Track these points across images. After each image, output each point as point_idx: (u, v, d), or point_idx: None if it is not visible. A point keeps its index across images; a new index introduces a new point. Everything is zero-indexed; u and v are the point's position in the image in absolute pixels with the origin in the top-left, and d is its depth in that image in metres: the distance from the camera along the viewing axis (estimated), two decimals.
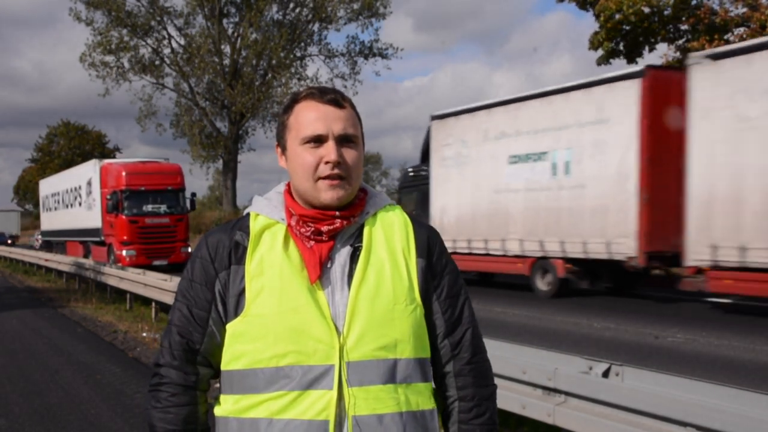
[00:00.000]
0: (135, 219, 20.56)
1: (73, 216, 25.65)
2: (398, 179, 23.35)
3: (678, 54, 23.52)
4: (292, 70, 37.54)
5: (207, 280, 1.58)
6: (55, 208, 29.23)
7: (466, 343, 1.64)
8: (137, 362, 8.57)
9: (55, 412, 6.27)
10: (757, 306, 11.98)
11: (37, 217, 76.25)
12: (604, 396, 3.68)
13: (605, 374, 3.81)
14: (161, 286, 11.26)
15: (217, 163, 39.60)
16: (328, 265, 1.54)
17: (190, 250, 20.62)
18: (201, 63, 35.85)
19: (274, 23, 37.27)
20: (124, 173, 20.91)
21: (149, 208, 20.91)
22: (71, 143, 68.40)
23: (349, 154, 1.55)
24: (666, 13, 22.33)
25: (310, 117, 1.55)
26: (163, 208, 21.13)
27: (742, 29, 21.47)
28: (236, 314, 1.54)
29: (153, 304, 11.97)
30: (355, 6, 36.78)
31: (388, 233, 1.60)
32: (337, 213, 1.55)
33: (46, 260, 23.02)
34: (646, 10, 21.37)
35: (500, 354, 4.22)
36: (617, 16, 21.77)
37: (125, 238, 20.50)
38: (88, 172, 23.62)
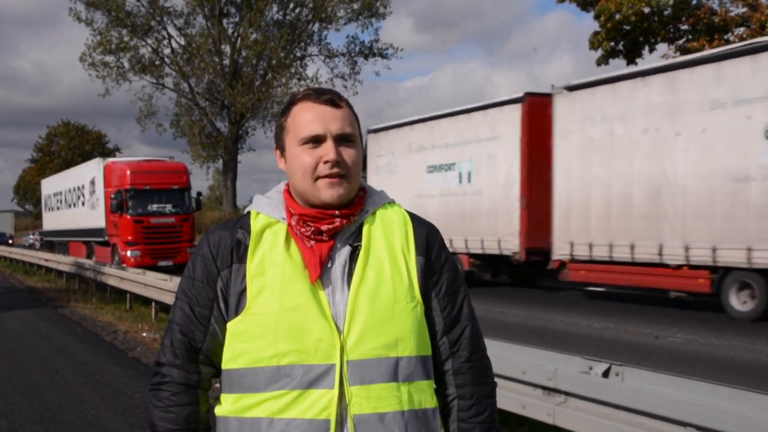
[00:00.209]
0: (140, 219, 20.14)
1: (75, 216, 25.25)
2: None
3: (678, 54, 23.53)
4: (292, 70, 37.56)
5: (209, 279, 1.58)
6: (58, 208, 28.81)
7: (464, 340, 1.64)
8: (137, 362, 8.57)
9: (55, 412, 6.27)
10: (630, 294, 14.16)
11: (37, 217, 76.44)
12: (604, 396, 3.68)
13: (605, 374, 3.81)
14: (161, 286, 11.26)
15: (217, 163, 39.62)
16: (329, 265, 1.55)
17: None
18: (201, 63, 35.86)
19: (274, 23, 37.28)
20: (128, 172, 20.50)
21: (154, 207, 20.47)
22: (71, 143, 68.41)
23: (348, 153, 1.56)
24: (666, 13, 22.33)
25: (308, 118, 1.56)
26: (169, 207, 20.70)
27: (742, 29, 21.48)
28: (237, 313, 1.54)
29: (153, 304, 11.97)
30: (355, 6, 36.79)
31: (388, 231, 1.60)
32: (337, 212, 1.56)
33: (46, 260, 23.01)
34: (646, 10, 21.37)
35: (500, 354, 4.22)
36: (617, 17, 21.78)
37: (130, 238, 20.10)
38: (92, 170, 23.23)
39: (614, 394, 3.63)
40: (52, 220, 30.24)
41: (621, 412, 3.59)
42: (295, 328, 1.49)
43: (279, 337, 1.49)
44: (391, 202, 1.67)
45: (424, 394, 1.56)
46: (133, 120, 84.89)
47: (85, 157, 50.23)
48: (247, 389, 1.52)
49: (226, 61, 37.21)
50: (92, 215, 22.92)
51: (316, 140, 1.55)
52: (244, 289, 1.54)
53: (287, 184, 1.65)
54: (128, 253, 19.88)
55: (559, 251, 13.69)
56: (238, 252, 1.57)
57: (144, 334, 10.42)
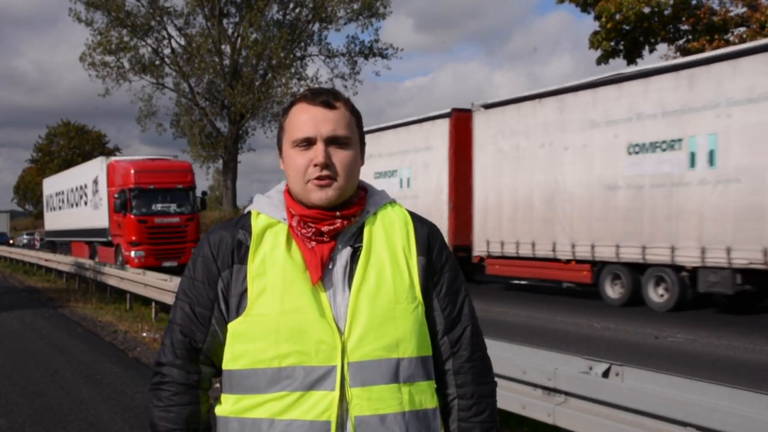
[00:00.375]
0: (144, 218, 19.69)
1: (78, 215, 24.73)
2: None
3: (678, 54, 23.53)
4: (292, 70, 37.53)
5: (209, 279, 1.58)
6: (60, 208, 28.34)
7: (465, 340, 1.63)
8: (137, 362, 8.57)
9: (55, 412, 6.27)
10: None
11: (37, 216, 76.45)
12: (604, 396, 3.68)
13: (605, 374, 3.81)
14: (161, 286, 11.27)
15: (217, 163, 39.59)
16: (330, 266, 1.55)
17: None
18: (201, 63, 35.82)
19: (274, 23, 37.26)
20: (132, 171, 20.05)
21: (159, 207, 20.02)
22: (71, 143, 68.37)
23: (339, 156, 1.55)
24: (666, 13, 22.33)
25: (301, 119, 1.56)
26: (173, 207, 20.25)
27: (742, 29, 21.48)
28: (238, 313, 1.54)
29: (153, 304, 11.97)
30: (355, 6, 36.76)
31: (389, 232, 1.60)
32: (338, 213, 1.56)
33: (46, 260, 23.01)
34: (646, 10, 21.38)
35: (500, 354, 4.22)
36: (617, 17, 21.78)
37: (134, 238, 19.66)
38: (95, 170, 22.70)
39: (614, 394, 3.63)
40: (53, 220, 29.84)
41: (621, 412, 3.59)
42: (296, 329, 1.48)
43: (280, 338, 1.49)
44: (392, 202, 1.67)
45: (424, 395, 1.56)
46: (133, 120, 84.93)
47: (85, 157, 50.21)
48: (248, 390, 1.52)
49: (226, 61, 37.19)
50: (95, 215, 22.51)
51: (308, 142, 1.55)
52: (245, 290, 1.54)
53: (287, 184, 1.64)
54: (132, 253, 19.50)
55: (479, 248, 15.81)
56: (239, 253, 1.56)
57: (144, 334, 10.42)
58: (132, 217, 19.71)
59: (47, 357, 8.99)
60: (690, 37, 22.97)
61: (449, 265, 1.65)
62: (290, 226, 1.57)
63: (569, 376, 3.92)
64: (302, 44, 38.44)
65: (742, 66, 10.39)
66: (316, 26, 38.22)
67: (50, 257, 22.90)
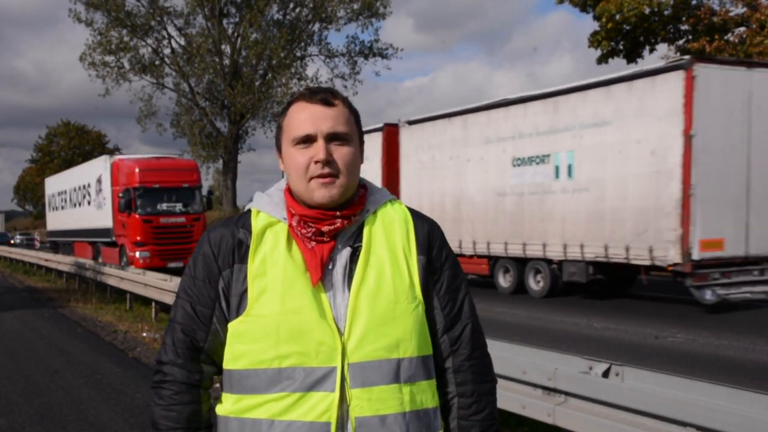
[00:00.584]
0: (149, 218, 19.17)
1: (81, 215, 24.13)
2: None
3: (678, 54, 23.53)
4: (292, 70, 37.52)
5: (210, 278, 1.58)
6: (62, 207, 27.79)
7: (465, 339, 1.63)
8: (137, 362, 8.57)
9: (55, 412, 6.27)
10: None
11: (37, 217, 76.49)
12: (604, 396, 3.68)
13: (605, 374, 3.81)
14: (161, 286, 11.27)
15: (217, 163, 39.61)
16: (330, 266, 1.54)
17: None
18: (201, 63, 35.81)
19: (274, 23, 37.25)
20: (137, 170, 19.54)
21: (164, 206, 19.51)
22: (71, 143, 68.41)
23: (340, 152, 1.55)
24: (666, 13, 22.33)
25: (300, 117, 1.56)
26: (179, 206, 19.74)
27: (742, 29, 21.49)
28: (239, 313, 1.54)
29: (153, 304, 11.97)
30: (355, 6, 36.76)
31: (389, 231, 1.59)
32: (338, 213, 1.55)
33: (46, 260, 22.99)
34: (647, 10, 21.38)
35: (500, 354, 4.22)
36: (617, 17, 21.78)
37: (139, 238, 19.14)
38: (98, 168, 22.13)
39: (614, 394, 3.64)
40: (56, 220, 29.33)
41: (621, 412, 3.60)
42: (296, 330, 1.48)
43: (280, 339, 1.48)
44: (393, 200, 1.66)
45: (425, 394, 1.56)
46: (133, 120, 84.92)
47: (85, 157, 50.22)
48: (248, 390, 1.51)
49: (226, 61, 37.19)
50: (99, 215, 21.97)
51: (308, 140, 1.54)
52: (246, 290, 1.53)
53: (288, 184, 1.64)
54: (137, 254, 19.01)
55: None
56: (240, 252, 1.56)
57: (144, 334, 10.42)
58: (137, 216, 19.24)
59: (47, 357, 8.99)
60: (690, 37, 22.98)
61: (449, 263, 1.65)
62: (290, 225, 1.57)
63: (569, 376, 3.92)
64: (302, 44, 38.45)
65: (589, 97, 12.67)
66: (316, 26, 38.24)
67: (50, 257, 22.87)
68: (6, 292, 18.75)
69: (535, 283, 14.39)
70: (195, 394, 1.60)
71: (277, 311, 1.49)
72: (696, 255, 10.97)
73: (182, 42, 37.41)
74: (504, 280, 15.19)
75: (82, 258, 20.94)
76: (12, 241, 49.65)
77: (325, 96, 1.57)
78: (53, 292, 17.75)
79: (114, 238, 20.68)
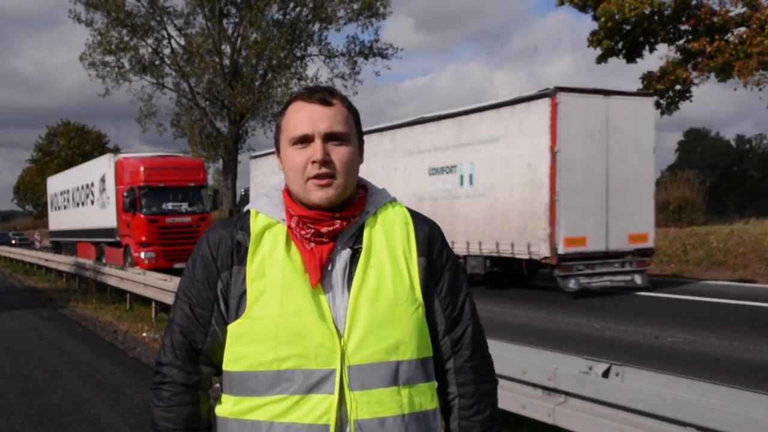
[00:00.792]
0: (154, 218, 18.68)
1: (84, 215, 23.65)
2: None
3: (678, 54, 23.52)
4: (292, 70, 37.51)
5: (209, 280, 1.57)
6: (65, 207, 27.15)
7: (466, 340, 1.63)
8: (137, 362, 8.57)
9: (55, 412, 6.27)
10: None
11: (37, 217, 76.45)
12: (604, 396, 3.68)
13: (605, 374, 3.81)
14: (161, 286, 11.27)
15: (217, 163, 39.60)
16: (329, 268, 1.54)
17: None
18: (201, 63, 35.80)
19: (274, 23, 37.25)
20: (142, 168, 18.99)
21: (169, 206, 19.05)
22: (71, 143, 68.40)
23: (338, 152, 1.54)
24: (666, 13, 22.31)
25: (298, 117, 1.55)
26: (185, 206, 19.30)
27: (742, 29, 21.47)
28: (238, 315, 1.54)
29: (153, 304, 11.97)
30: (355, 6, 36.75)
31: (389, 232, 1.59)
32: (337, 214, 1.55)
33: (46, 260, 22.99)
34: (647, 10, 21.37)
35: (500, 354, 4.22)
36: (617, 16, 21.78)
37: (144, 238, 18.66)
38: (102, 167, 21.62)
39: (614, 394, 3.63)
40: (58, 220, 28.81)
41: (621, 412, 3.59)
42: (295, 332, 1.48)
43: (279, 341, 1.48)
44: (393, 201, 1.65)
45: (424, 396, 1.56)
46: (133, 120, 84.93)
47: (85, 157, 50.20)
48: (248, 392, 1.51)
49: (226, 61, 37.18)
50: (102, 214, 21.51)
51: (305, 140, 1.53)
52: (245, 292, 1.53)
53: (287, 184, 1.63)
54: (142, 254, 18.53)
55: None
56: (239, 254, 1.56)
57: (144, 334, 10.42)
58: (141, 216, 18.76)
59: (47, 357, 8.99)
60: (690, 37, 22.97)
61: (450, 264, 1.64)
62: (289, 227, 1.56)
63: (569, 376, 3.92)
64: (302, 44, 38.43)
65: (485, 117, 14.61)
66: (316, 26, 38.23)
67: (50, 257, 22.85)
68: (6, 292, 18.75)
69: None
70: (194, 395, 1.59)
71: (275, 313, 1.49)
72: (561, 250, 13.02)
73: (182, 42, 37.42)
74: None
75: (82, 258, 20.91)
76: (13, 242, 49.67)
77: (323, 95, 1.56)
78: (53, 292, 17.75)
79: (118, 238, 20.29)
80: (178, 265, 18.05)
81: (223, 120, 38.32)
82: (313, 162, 1.52)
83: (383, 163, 17.49)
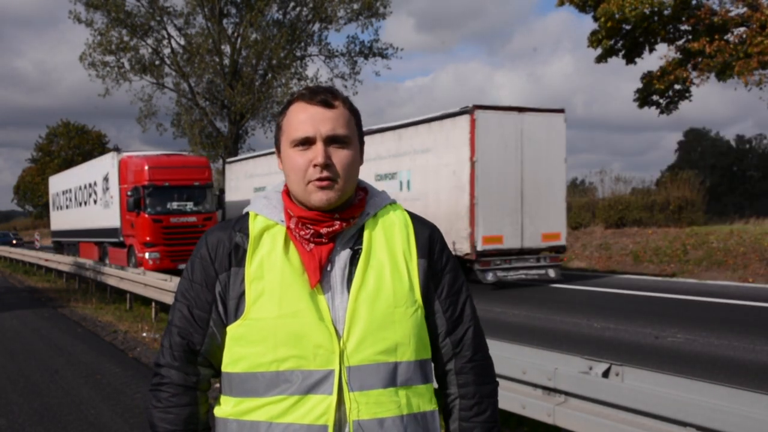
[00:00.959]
0: (159, 218, 18.37)
1: (87, 215, 23.27)
2: None
3: (678, 54, 23.51)
4: (292, 70, 37.47)
5: (207, 281, 1.57)
6: (67, 207, 26.75)
7: (467, 341, 1.63)
8: (137, 362, 8.57)
9: (55, 412, 6.27)
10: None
11: (37, 217, 76.43)
12: (604, 396, 3.68)
13: (605, 374, 3.81)
14: (161, 286, 11.27)
15: (217, 163, 39.56)
16: (328, 268, 1.53)
17: None
18: (201, 63, 35.78)
19: (274, 23, 37.24)
20: (146, 167, 18.64)
21: (174, 205, 18.73)
22: (71, 143, 68.41)
23: (339, 155, 1.53)
24: (666, 13, 22.31)
25: (299, 119, 1.54)
26: (190, 205, 18.98)
27: (742, 29, 21.46)
28: (236, 316, 1.54)
29: (153, 304, 11.97)
30: (355, 6, 36.74)
31: (389, 234, 1.59)
32: (337, 215, 1.54)
33: (46, 260, 22.98)
34: (647, 10, 21.36)
35: (500, 354, 4.22)
36: (617, 16, 21.76)
37: (148, 239, 18.33)
38: (105, 166, 21.26)
39: (614, 394, 3.63)
40: (60, 220, 28.19)
41: (621, 412, 3.59)
42: (294, 333, 1.48)
43: (278, 342, 1.48)
44: (393, 203, 1.65)
45: (422, 398, 1.56)
46: (133, 120, 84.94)
47: (85, 157, 50.20)
48: (247, 393, 1.51)
49: (226, 61, 37.16)
50: (106, 214, 21.13)
51: (307, 142, 1.53)
52: (243, 293, 1.53)
53: (286, 185, 1.63)
54: (146, 255, 18.21)
55: None
56: (237, 255, 1.55)
57: (144, 334, 10.42)
58: (146, 216, 18.42)
59: (47, 357, 8.99)
60: (690, 37, 22.96)
61: (450, 266, 1.64)
62: (288, 228, 1.56)
63: (569, 376, 3.92)
64: (302, 44, 38.40)
65: (419, 130, 16.10)
66: (316, 26, 38.21)
67: (50, 257, 22.84)
68: (6, 292, 18.75)
69: None
70: (192, 396, 1.59)
71: (274, 315, 1.49)
72: (480, 247, 14.62)
73: (182, 42, 37.39)
74: None
75: (82, 258, 20.88)
76: (14, 242, 49.63)
77: (325, 97, 1.55)
78: (53, 292, 17.75)
79: (122, 239, 19.97)
80: (182, 266, 17.46)
81: (223, 120, 38.31)
82: (315, 165, 1.51)
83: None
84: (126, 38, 36.17)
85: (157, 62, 37.49)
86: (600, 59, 24.68)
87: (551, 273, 15.45)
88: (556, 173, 15.77)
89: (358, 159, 1.59)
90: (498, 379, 1.73)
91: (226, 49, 37.38)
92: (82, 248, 24.59)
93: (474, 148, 14.63)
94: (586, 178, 40.65)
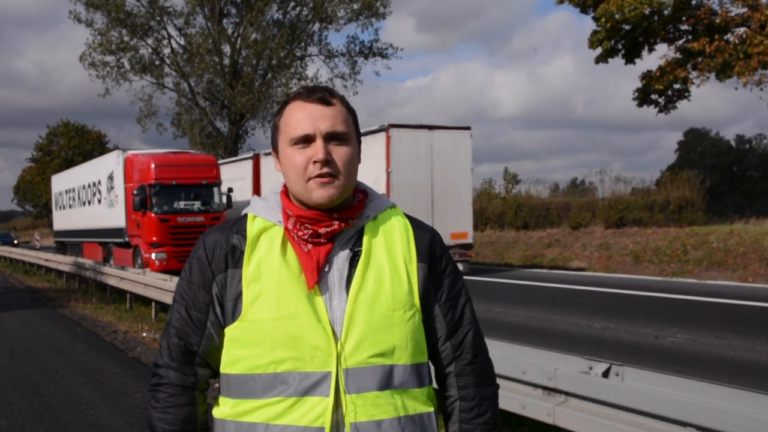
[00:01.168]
0: (165, 217, 17.77)
1: (91, 214, 22.68)
2: None
3: (678, 54, 23.50)
4: (292, 70, 37.49)
5: (204, 283, 1.57)
6: (70, 206, 26.08)
7: (467, 344, 1.63)
8: (137, 362, 8.57)
9: (55, 412, 6.27)
10: None
11: (37, 217, 76.39)
12: (604, 396, 3.68)
13: (605, 374, 3.81)
14: (161, 286, 11.27)
15: None
16: (326, 269, 1.53)
17: None
18: (201, 63, 35.80)
19: (274, 23, 37.26)
20: (153, 165, 18.05)
21: (182, 205, 18.17)
22: (71, 143, 68.44)
23: (339, 152, 1.53)
24: (666, 13, 22.30)
25: (298, 117, 1.54)
26: (197, 205, 18.41)
27: (742, 29, 21.46)
28: (234, 318, 1.53)
29: (153, 304, 11.97)
30: (355, 6, 36.75)
31: (389, 238, 1.58)
32: (335, 215, 1.54)
33: (46, 260, 22.98)
34: (647, 10, 21.36)
35: (500, 354, 4.22)
36: (617, 16, 21.76)
37: (155, 239, 17.77)
38: (110, 164, 20.68)
39: (614, 394, 3.63)
40: (63, 220, 27.50)
41: (621, 412, 3.59)
42: (291, 335, 1.47)
43: (275, 344, 1.48)
44: (393, 207, 1.65)
45: (417, 402, 1.56)
46: (133, 120, 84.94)
47: (85, 156, 50.19)
48: (246, 395, 1.51)
49: (226, 61, 37.18)
50: (110, 214, 20.57)
51: (306, 140, 1.52)
52: (240, 294, 1.53)
53: (284, 185, 1.63)
54: (153, 255, 17.64)
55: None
56: (233, 257, 1.55)
57: (144, 334, 10.42)
58: (152, 215, 17.79)
59: (47, 357, 8.99)
60: (690, 37, 22.95)
61: (449, 270, 1.64)
62: (286, 228, 1.56)
63: (569, 376, 3.92)
64: (302, 44, 38.42)
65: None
66: (316, 26, 38.22)
67: (50, 257, 22.83)
68: (6, 292, 18.75)
69: None
70: (190, 396, 1.59)
71: (272, 316, 1.49)
72: None
73: (182, 42, 37.42)
74: None
75: (81, 258, 20.85)
76: (15, 242, 49.55)
77: (322, 95, 1.55)
78: (53, 292, 17.75)
79: (127, 239, 19.45)
80: None
81: (223, 120, 38.34)
82: (315, 162, 1.51)
83: (272, 178, 20.15)
84: (126, 38, 36.19)
85: (157, 62, 37.51)
86: (599, 60, 24.68)
87: (460, 267, 16.56)
88: (463, 181, 18.08)
89: (357, 156, 1.59)
90: (498, 379, 1.72)
91: (226, 49, 37.39)
92: (86, 248, 24.11)
93: (389, 160, 16.84)
94: (586, 178, 40.63)
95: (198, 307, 1.58)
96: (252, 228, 1.57)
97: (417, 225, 1.64)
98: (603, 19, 22.06)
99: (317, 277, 1.50)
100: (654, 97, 25.16)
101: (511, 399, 4.16)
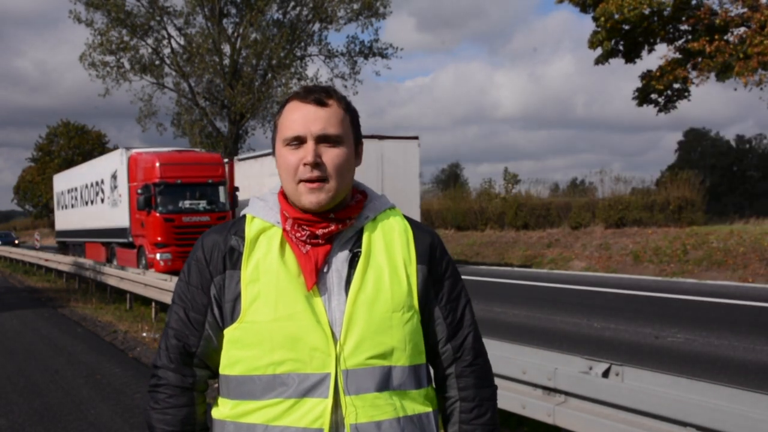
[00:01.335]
0: (170, 217, 17.46)
1: (94, 214, 22.39)
2: None
3: (678, 54, 23.50)
4: (292, 70, 37.45)
5: (202, 284, 1.57)
6: (72, 206, 25.79)
7: (468, 346, 1.63)
8: (137, 362, 8.57)
9: (55, 412, 6.27)
10: None
11: (37, 216, 76.35)
12: (604, 396, 3.68)
13: (605, 374, 3.81)
14: (161, 286, 11.27)
15: None
16: (325, 270, 1.53)
17: None
18: (201, 63, 35.76)
19: (274, 23, 37.24)
20: (157, 164, 17.69)
21: (187, 204, 17.83)
22: (71, 143, 68.44)
23: (330, 154, 1.52)
24: (666, 13, 22.30)
25: (292, 117, 1.53)
26: (203, 204, 18.12)
27: (742, 29, 21.46)
28: (233, 319, 1.53)
29: (153, 304, 11.97)
30: (355, 6, 36.72)
31: (388, 239, 1.58)
32: (332, 215, 1.54)
33: (46, 260, 22.98)
34: (647, 10, 21.36)
35: (500, 354, 4.22)
36: (617, 16, 21.76)
37: (159, 239, 17.48)
38: (113, 163, 20.28)
39: (614, 394, 3.63)
40: (65, 219, 27.21)
41: (621, 412, 3.59)
42: (290, 336, 1.47)
43: (274, 345, 1.48)
44: (392, 208, 1.64)
45: (415, 402, 1.56)
46: (133, 120, 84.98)
47: (85, 156, 50.17)
48: (245, 396, 1.51)
49: (226, 61, 37.15)
50: (114, 213, 20.24)
51: (298, 140, 1.52)
52: (239, 296, 1.52)
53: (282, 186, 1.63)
54: (157, 256, 17.33)
55: None
56: (232, 258, 1.55)
57: (144, 334, 10.42)
58: (157, 215, 17.46)
59: (47, 357, 8.99)
60: (690, 37, 22.95)
61: (449, 272, 1.64)
62: (284, 229, 1.55)
63: (569, 376, 3.92)
64: (302, 44, 38.38)
65: (265, 161, 19.44)
66: (316, 26, 38.19)
67: (50, 257, 22.83)
68: (6, 292, 18.75)
69: None
70: (189, 396, 1.59)
71: (270, 318, 1.48)
72: None
73: (182, 42, 37.37)
74: None
75: (81, 258, 20.83)
76: (16, 242, 49.52)
77: (318, 96, 1.54)
78: (53, 292, 17.75)
79: (131, 239, 19.10)
80: None
81: (223, 120, 38.30)
82: (305, 164, 1.50)
83: (259, 181, 20.52)
84: (126, 38, 36.15)
85: (157, 62, 37.47)
86: (599, 61, 24.68)
87: None
88: (411, 186, 19.81)
89: (351, 158, 1.57)
90: (498, 379, 1.74)
91: (226, 49, 37.37)
92: (89, 249, 23.77)
93: None
94: (586, 178, 40.58)
95: (196, 308, 1.57)
96: (250, 229, 1.56)
97: (417, 227, 1.64)
98: (602, 19, 22.06)
99: (316, 278, 1.50)
100: (654, 96, 25.16)
101: (511, 399, 4.17)
